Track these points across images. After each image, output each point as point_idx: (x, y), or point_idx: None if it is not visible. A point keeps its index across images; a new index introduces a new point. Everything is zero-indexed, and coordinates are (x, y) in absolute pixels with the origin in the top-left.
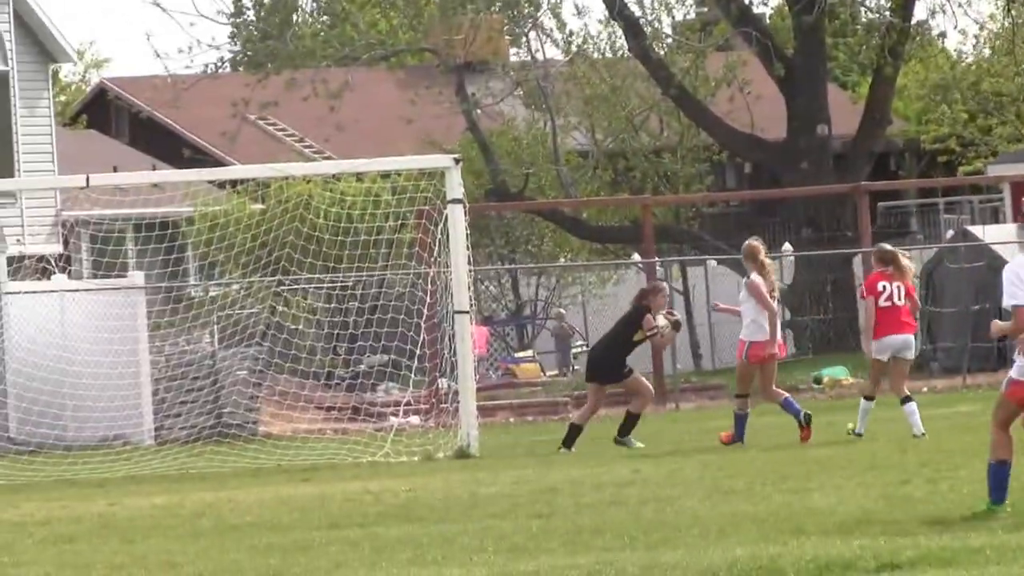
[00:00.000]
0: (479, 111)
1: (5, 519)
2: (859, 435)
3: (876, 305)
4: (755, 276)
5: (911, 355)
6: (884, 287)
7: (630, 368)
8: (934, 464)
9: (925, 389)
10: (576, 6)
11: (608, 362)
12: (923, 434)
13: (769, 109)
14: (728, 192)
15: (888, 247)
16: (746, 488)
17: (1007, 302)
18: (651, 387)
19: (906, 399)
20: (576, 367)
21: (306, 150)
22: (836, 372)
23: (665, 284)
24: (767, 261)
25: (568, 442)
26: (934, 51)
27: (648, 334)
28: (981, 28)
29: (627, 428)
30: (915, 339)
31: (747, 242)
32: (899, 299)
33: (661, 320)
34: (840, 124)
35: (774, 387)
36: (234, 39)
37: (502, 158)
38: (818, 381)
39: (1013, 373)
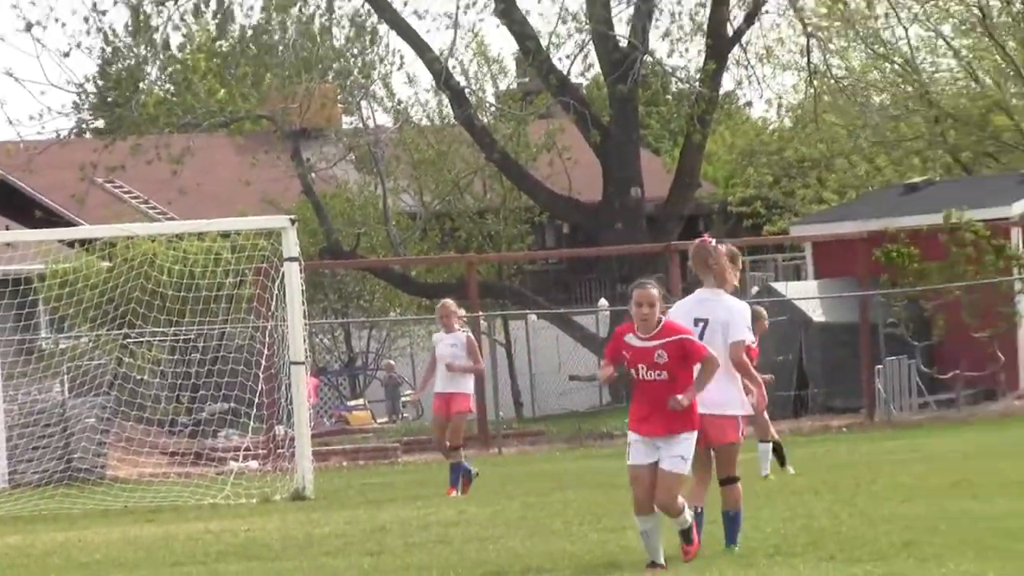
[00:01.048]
0: (314, 175)
1: None
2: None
3: None
4: (471, 333)
5: None
6: None
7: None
8: None
9: None
10: (407, 75)
11: None
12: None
13: (586, 173)
14: (547, 251)
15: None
16: (564, 528)
17: None
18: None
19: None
20: (405, 415)
21: (151, 211)
22: None
23: (761, 308)
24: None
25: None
26: (740, 119)
27: None
28: (780, 98)
29: None
30: None
31: (443, 301)
32: None
33: None
34: (652, 187)
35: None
36: (78, 108)
37: (335, 219)
38: None
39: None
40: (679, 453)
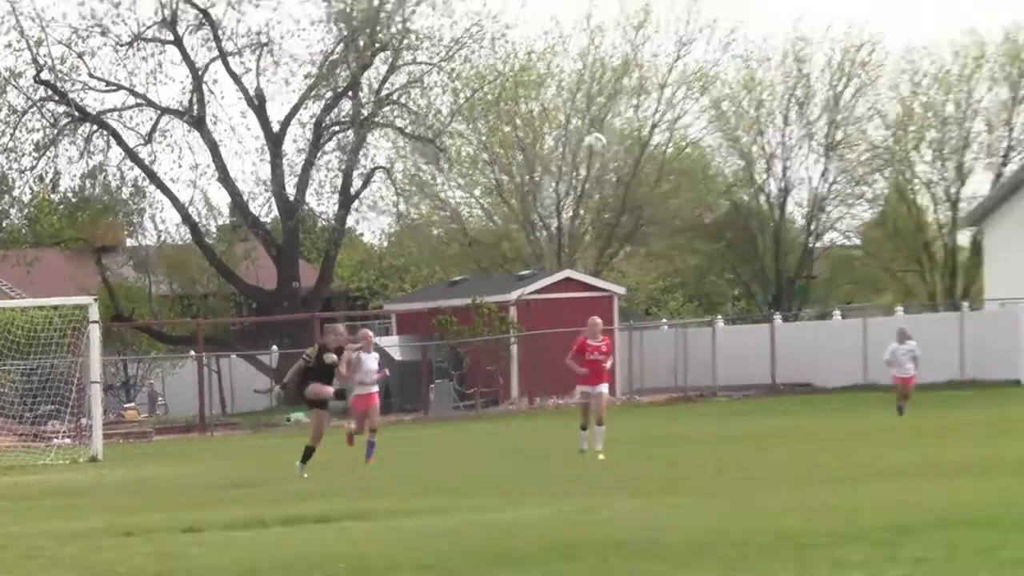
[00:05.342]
0: (109, 272)
1: None
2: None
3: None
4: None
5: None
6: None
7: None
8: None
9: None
10: (162, 218)
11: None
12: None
13: (267, 273)
14: (243, 318)
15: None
16: (253, 476)
17: None
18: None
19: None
20: (159, 412)
21: (12, 293)
22: (298, 415)
23: (340, 326)
24: None
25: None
26: (358, 243)
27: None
28: (382, 231)
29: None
30: None
31: (364, 330)
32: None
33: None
34: (306, 281)
35: None
36: None
37: (121, 298)
38: (288, 420)
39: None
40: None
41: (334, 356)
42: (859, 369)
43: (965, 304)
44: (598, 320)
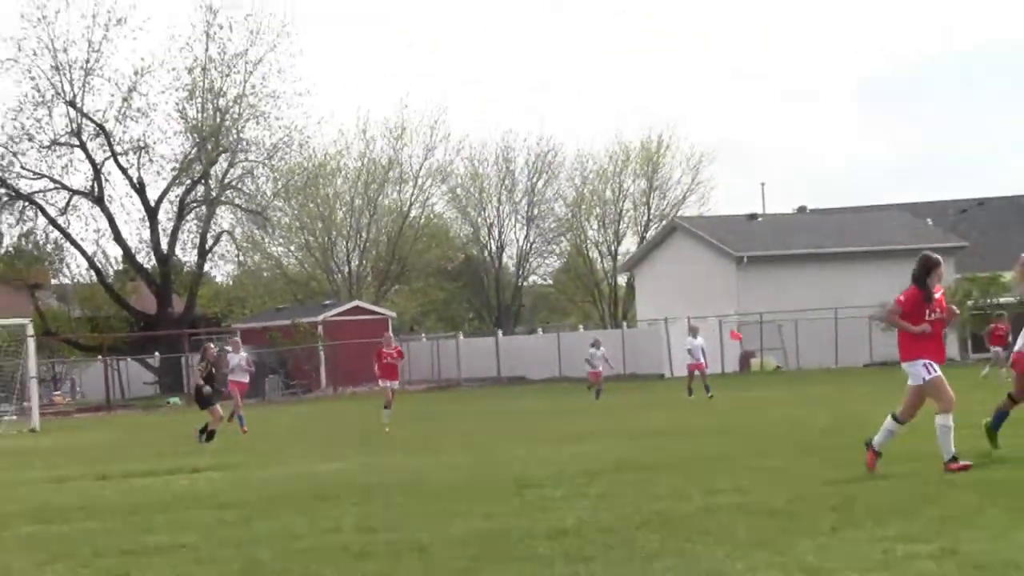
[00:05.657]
0: (40, 302)
1: None
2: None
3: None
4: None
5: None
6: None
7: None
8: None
9: None
10: (77, 265)
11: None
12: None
13: (150, 302)
14: (134, 333)
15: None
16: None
17: None
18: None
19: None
20: (77, 397)
21: None
22: (175, 399)
23: (211, 346)
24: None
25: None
26: (212, 284)
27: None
28: (228, 275)
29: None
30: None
31: (235, 338)
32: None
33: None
34: (177, 308)
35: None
36: None
37: (49, 319)
38: (168, 402)
39: None
40: None
41: (209, 387)
42: (556, 367)
43: (625, 323)
44: (391, 335)
